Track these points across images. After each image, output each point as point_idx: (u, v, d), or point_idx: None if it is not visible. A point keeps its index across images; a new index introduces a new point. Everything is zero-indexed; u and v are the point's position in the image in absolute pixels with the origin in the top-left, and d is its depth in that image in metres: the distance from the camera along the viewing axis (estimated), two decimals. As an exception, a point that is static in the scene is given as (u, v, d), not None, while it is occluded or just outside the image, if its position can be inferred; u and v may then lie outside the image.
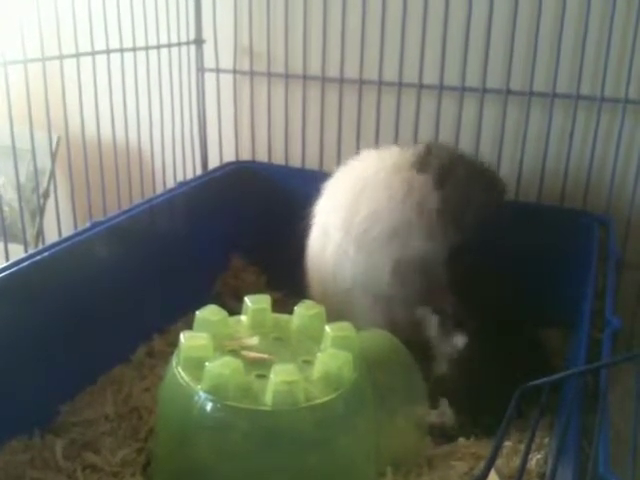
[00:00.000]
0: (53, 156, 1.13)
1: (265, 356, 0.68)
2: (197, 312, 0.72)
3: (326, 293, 0.92)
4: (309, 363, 0.68)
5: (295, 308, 0.75)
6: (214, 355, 0.66)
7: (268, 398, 0.62)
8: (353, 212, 0.90)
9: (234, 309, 0.76)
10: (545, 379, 0.58)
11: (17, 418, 0.75)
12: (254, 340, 0.71)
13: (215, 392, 0.62)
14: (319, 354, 0.67)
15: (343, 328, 0.71)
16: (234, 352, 0.68)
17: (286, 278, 0.95)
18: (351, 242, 0.90)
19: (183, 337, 0.68)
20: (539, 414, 0.56)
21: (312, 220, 0.96)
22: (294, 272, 0.95)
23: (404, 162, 0.91)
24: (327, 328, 0.71)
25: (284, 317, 0.76)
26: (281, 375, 0.62)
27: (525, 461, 0.50)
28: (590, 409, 0.59)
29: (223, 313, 0.72)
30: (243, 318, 0.75)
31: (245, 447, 0.63)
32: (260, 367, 0.67)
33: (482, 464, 0.74)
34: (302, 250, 0.97)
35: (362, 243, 0.89)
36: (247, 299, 0.76)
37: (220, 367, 0.63)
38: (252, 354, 0.68)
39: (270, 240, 1.14)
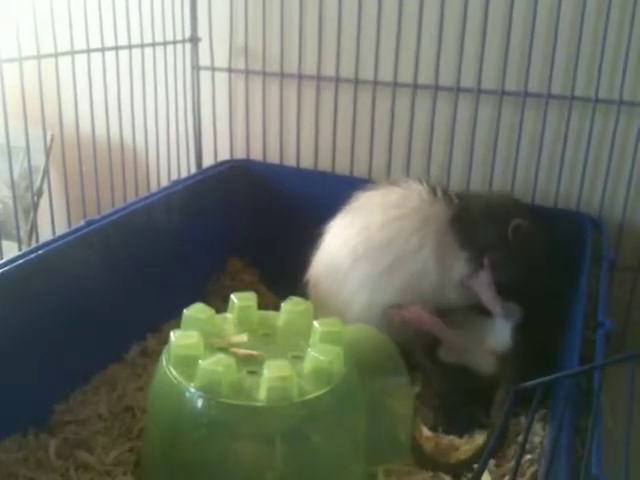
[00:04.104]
0: (47, 154, 1.13)
1: (255, 353, 0.69)
2: (185, 310, 0.72)
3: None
4: (299, 358, 0.68)
5: (282, 304, 0.76)
6: (204, 353, 0.67)
7: (262, 394, 0.62)
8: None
9: (219, 309, 0.76)
10: (538, 380, 0.59)
11: (11, 417, 0.75)
12: (243, 337, 0.71)
13: (208, 389, 0.62)
14: (309, 349, 0.67)
15: (331, 323, 0.71)
16: (223, 349, 0.69)
17: (284, 279, 0.94)
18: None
19: (173, 335, 0.68)
20: (532, 415, 0.56)
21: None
22: (291, 273, 0.95)
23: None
24: (315, 323, 0.71)
25: (270, 314, 0.76)
26: (274, 371, 0.63)
27: (519, 462, 0.50)
28: (583, 410, 0.59)
29: (211, 311, 0.73)
30: (229, 316, 0.75)
31: (238, 443, 0.63)
32: (250, 364, 0.67)
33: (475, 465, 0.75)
34: (298, 251, 0.96)
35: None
36: (233, 296, 0.76)
37: (213, 364, 0.63)
38: (242, 351, 0.69)
39: (265, 239, 1.14)
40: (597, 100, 1.01)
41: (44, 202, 1.10)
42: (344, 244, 0.92)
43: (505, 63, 1.05)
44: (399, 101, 1.13)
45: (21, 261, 0.77)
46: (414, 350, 0.87)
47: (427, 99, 1.11)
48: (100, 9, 1.05)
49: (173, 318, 0.99)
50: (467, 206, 0.92)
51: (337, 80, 1.16)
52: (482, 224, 0.91)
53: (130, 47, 1.10)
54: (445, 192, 0.93)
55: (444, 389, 0.88)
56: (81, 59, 1.01)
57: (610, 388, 0.64)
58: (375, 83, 1.14)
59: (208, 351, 0.67)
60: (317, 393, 0.64)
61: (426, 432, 0.80)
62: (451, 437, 0.81)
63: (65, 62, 0.99)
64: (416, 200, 0.91)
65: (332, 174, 1.19)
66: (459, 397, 0.86)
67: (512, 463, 0.73)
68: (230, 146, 1.28)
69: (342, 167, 1.20)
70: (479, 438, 0.80)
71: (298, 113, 1.21)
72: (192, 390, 0.63)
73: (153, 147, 1.21)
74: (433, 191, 0.92)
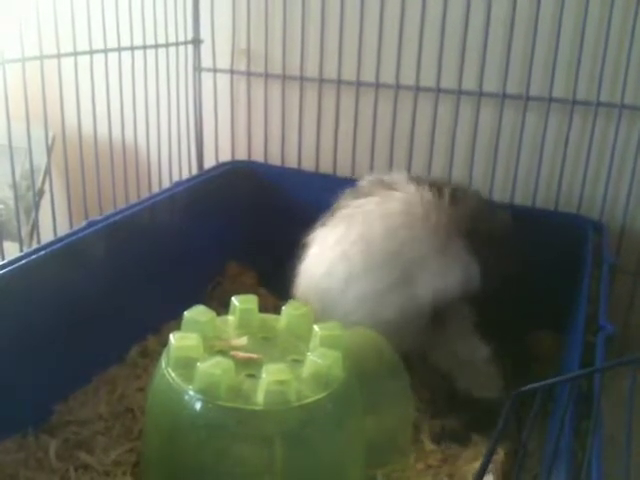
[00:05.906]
0: (49, 154, 1.13)
1: (254, 356, 0.69)
2: (185, 312, 0.72)
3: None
4: (298, 362, 0.68)
5: (283, 308, 0.76)
6: (204, 355, 0.66)
7: (260, 398, 0.62)
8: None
9: (220, 311, 0.75)
10: (539, 384, 0.58)
11: (11, 417, 0.75)
12: (243, 340, 0.71)
13: (207, 392, 0.62)
14: (309, 353, 0.67)
15: (331, 327, 0.71)
16: (223, 352, 0.68)
17: (284, 281, 0.94)
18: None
19: (173, 337, 0.68)
20: (532, 419, 0.56)
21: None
22: (292, 275, 0.95)
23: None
24: (315, 327, 0.71)
25: (271, 317, 0.76)
26: (273, 374, 0.63)
27: (519, 467, 0.50)
28: (584, 414, 0.59)
29: (211, 313, 0.72)
30: (230, 318, 0.75)
31: (236, 447, 0.63)
32: (249, 367, 0.67)
33: (474, 470, 0.74)
34: (298, 253, 0.96)
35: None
36: (234, 299, 0.76)
37: (212, 367, 0.63)
38: (241, 354, 0.69)
39: (266, 240, 1.14)
40: (599, 104, 1.01)
41: (45, 202, 1.10)
42: (339, 259, 0.85)
43: (507, 66, 1.05)
44: (401, 103, 1.13)
45: (23, 262, 0.77)
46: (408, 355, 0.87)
47: (429, 101, 1.11)
48: (103, 10, 1.05)
49: (173, 319, 0.99)
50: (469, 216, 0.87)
51: (339, 82, 1.16)
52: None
53: (132, 48, 1.11)
54: (446, 192, 0.87)
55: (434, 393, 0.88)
56: (84, 60, 1.02)
57: (610, 391, 0.64)
58: (377, 85, 1.14)
59: (207, 354, 0.67)
60: (315, 397, 0.64)
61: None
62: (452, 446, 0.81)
63: (67, 63, 0.99)
64: (420, 205, 0.85)
65: (333, 176, 1.19)
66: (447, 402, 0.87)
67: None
68: (231, 147, 1.28)
69: (343, 169, 1.20)
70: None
71: (300, 115, 1.21)
72: (190, 393, 0.63)
73: (155, 148, 1.21)
74: (437, 193, 0.86)
